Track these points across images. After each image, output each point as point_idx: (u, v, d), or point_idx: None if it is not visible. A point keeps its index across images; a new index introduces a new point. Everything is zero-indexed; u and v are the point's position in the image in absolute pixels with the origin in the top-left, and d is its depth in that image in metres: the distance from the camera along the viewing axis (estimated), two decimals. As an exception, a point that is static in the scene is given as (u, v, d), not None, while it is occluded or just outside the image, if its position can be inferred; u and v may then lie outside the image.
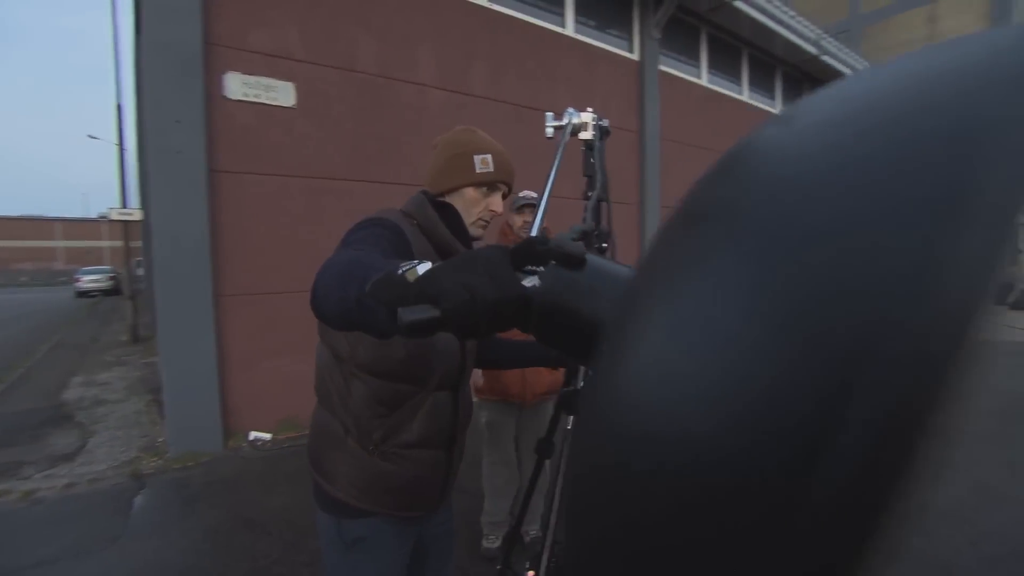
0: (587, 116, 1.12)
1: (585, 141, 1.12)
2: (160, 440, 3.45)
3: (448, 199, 0.99)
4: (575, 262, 0.36)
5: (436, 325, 0.37)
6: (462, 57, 4.41)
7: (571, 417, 1.17)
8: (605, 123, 1.14)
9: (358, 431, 0.91)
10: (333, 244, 0.87)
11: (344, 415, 0.92)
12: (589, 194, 1.08)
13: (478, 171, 0.97)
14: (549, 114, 1.13)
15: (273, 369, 3.50)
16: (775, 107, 7.96)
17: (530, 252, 0.39)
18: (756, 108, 7.60)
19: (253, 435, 3.43)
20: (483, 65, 4.54)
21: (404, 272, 0.42)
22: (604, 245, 1.11)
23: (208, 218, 3.21)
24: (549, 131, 1.09)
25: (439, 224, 0.94)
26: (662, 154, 6.09)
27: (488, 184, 0.98)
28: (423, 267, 0.42)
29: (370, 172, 3.88)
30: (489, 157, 0.97)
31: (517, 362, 1.16)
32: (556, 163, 0.86)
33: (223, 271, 3.32)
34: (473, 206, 0.98)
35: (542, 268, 0.38)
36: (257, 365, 3.46)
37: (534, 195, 2.25)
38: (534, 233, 0.57)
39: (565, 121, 1.10)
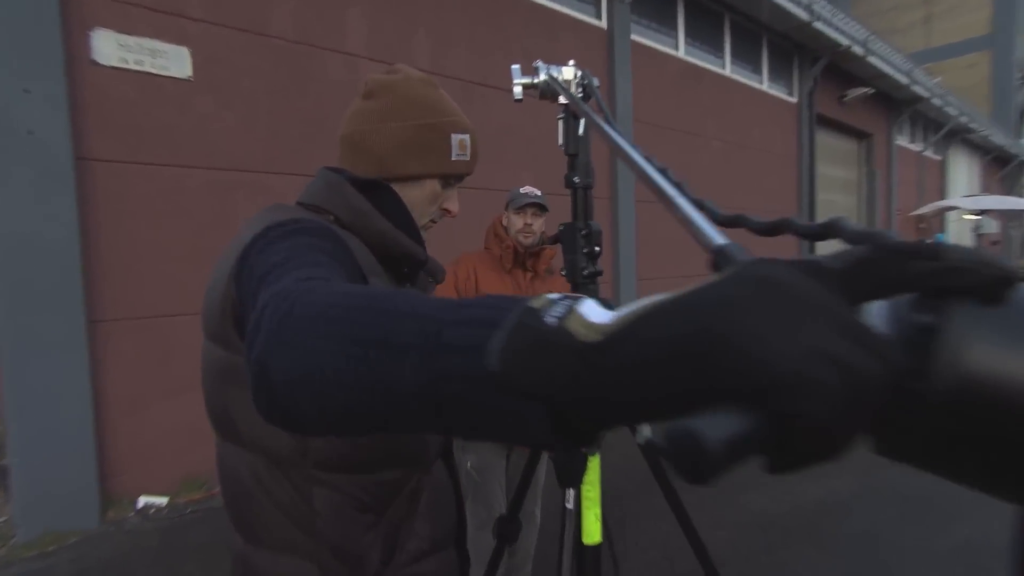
0: (569, 71, 0.99)
1: (566, 106, 1.00)
2: (2, 520, 3.02)
3: (393, 185, 0.86)
4: (1003, 288, 0.24)
5: (779, 446, 0.23)
6: (401, 24, 4.30)
7: (570, 491, 1.05)
8: (595, 81, 1.00)
9: (346, 563, 0.75)
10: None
11: (312, 548, 0.74)
12: (575, 180, 1.01)
13: (454, 158, 0.87)
14: (515, 67, 1.00)
15: (169, 412, 3.26)
16: (760, 83, 8.14)
17: (893, 275, 0.25)
18: (740, 84, 7.74)
19: (144, 501, 3.18)
20: (426, 34, 4.46)
21: (560, 320, 0.29)
22: (598, 249, 1.02)
23: (77, 220, 2.93)
24: (517, 91, 1.00)
25: (375, 217, 0.81)
26: (636, 139, 6.00)
27: (456, 177, 0.90)
28: (591, 307, 0.29)
29: (291, 162, 3.72)
30: (467, 139, 0.89)
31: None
32: (610, 130, 0.63)
33: (99, 289, 3.06)
34: (429, 203, 0.89)
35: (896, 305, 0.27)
36: (147, 408, 3.21)
37: (538, 193, 2.12)
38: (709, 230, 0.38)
39: (538, 77, 0.98)
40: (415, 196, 0.87)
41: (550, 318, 0.29)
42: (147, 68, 3.17)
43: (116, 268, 3.10)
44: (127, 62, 3.11)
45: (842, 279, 0.26)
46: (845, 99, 9.88)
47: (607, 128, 0.61)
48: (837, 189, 10.64)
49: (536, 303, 0.30)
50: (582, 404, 0.27)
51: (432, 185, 0.88)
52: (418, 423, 0.34)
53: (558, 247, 2.10)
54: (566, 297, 0.31)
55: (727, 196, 7.18)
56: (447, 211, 0.91)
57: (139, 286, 3.17)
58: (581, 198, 1.01)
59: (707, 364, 0.23)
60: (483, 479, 1.96)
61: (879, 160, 11.62)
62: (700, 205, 0.44)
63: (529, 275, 2.11)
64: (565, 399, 0.27)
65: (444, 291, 1.98)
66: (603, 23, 5.87)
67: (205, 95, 3.38)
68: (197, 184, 3.36)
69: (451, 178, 0.89)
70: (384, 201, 0.84)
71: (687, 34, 6.94)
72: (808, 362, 0.22)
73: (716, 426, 0.23)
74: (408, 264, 0.85)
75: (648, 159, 0.54)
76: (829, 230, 0.31)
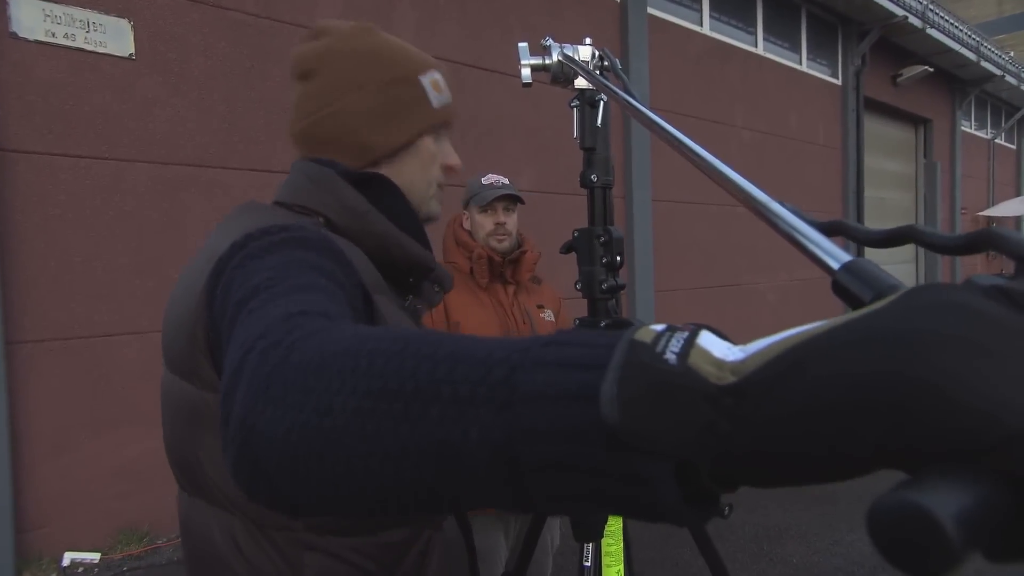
0: (586, 51, 1.02)
1: (581, 92, 1.02)
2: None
3: (385, 166, 0.86)
4: None
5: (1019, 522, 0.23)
6: None
7: (588, 546, 1.07)
8: (616, 62, 1.01)
9: None
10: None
11: None
12: (593, 178, 1.03)
13: (436, 104, 0.88)
14: (523, 45, 1.02)
15: (103, 450, 3.24)
16: (799, 62, 8.19)
17: None
18: (774, 64, 7.79)
19: (70, 557, 3.14)
20: (409, 7, 4.49)
21: (681, 357, 0.27)
22: (619, 259, 1.03)
23: None
24: (526, 73, 1.02)
25: (376, 218, 0.80)
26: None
27: (444, 124, 0.91)
28: (712, 340, 0.29)
29: (251, 156, 3.74)
30: (438, 76, 0.90)
31: None
32: (664, 123, 0.62)
33: (19, 305, 3.05)
34: (432, 165, 0.90)
35: None
36: (77, 446, 3.18)
37: (506, 181, 2.04)
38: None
39: (550, 57, 1.00)
40: (414, 168, 0.87)
41: (669, 354, 0.28)
42: (79, 43, 3.17)
43: (41, 279, 3.09)
44: (55, 36, 3.11)
45: None
46: (899, 79, 9.96)
47: (662, 122, 0.58)
48: (890, 184, 10.69)
49: (641, 335, 0.29)
50: (717, 460, 0.26)
51: (426, 145, 0.88)
52: (481, 494, 0.32)
53: (536, 250, 2.08)
54: (675, 328, 0.30)
55: (762, 193, 7.19)
56: (450, 168, 0.92)
57: (68, 301, 3.16)
58: (600, 199, 1.02)
59: (900, 416, 0.22)
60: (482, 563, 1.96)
61: (940, 150, 11.69)
62: (796, 212, 0.43)
63: (511, 288, 2.02)
64: (698, 456, 0.26)
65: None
66: (616, -7, 5.93)
67: (149, 77, 3.38)
68: (140, 181, 3.37)
69: (443, 129, 0.90)
70: (382, 197, 0.83)
71: (713, 7, 6.99)
72: None
73: (945, 500, 0.21)
74: (414, 273, 0.85)
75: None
76: (978, 241, 0.29)
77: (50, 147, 3.12)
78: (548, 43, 1.01)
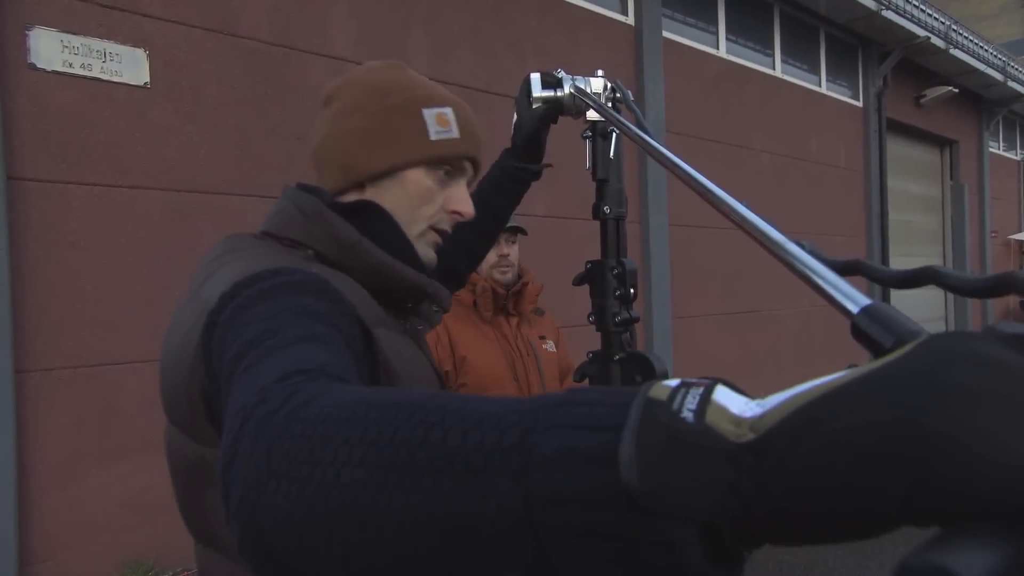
0: (598, 83, 1.04)
1: (593, 124, 1.04)
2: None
3: (369, 193, 0.85)
4: None
5: None
6: (394, 20, 4.38)
7: None
8: (628, 94, 1.04)
9: None
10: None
11: None
12: (606, 210, 1.04)
13: (434, 137, 0.84)
14: (535, 77, 1.04)
15: (111, 482, 3.21)
16: (818, 84, 8.19)
17: None
18: (793, 86, 7.79)
19: None
20: (424, 32, 4.53)
21: (698, 415, 0.27)
22: (632, 291, 1.04)
23: (7, 250, 2.96)
24: (537, 108, 1.05)
25: (368, 248, 0.78)
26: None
27: (449, 162, 0.86)
28: (728, 395, 0.28)
29: (264, 183, 3.75)
30: (449, 112, 0.86)
31: None
32: (651, 142, 0.64)
33: (30, 333, 3.06)
34: (423, 203, 0.85)
35: None
36: (84, 478, 3.16)
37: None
38: None
39: (561, 91, 1.02)
40: (397, 200, 0.84)
41: (686, 412, 0.27)
42: (95, 73, 3.20)
43: (51, 307, 3.10)
44: (72, 66, 3.14)
45: None
46: (923, 100, 9.91)
47: (674, 158, 0.59)
48: (915, 207, 10.59)
49: (656, 393, 0.29)
50: (740, 521, 0.26)
51: (417, 179, 0.84)
52: (502, 565, 0.31)
53: (537, 282, 2.10)
54: (689, 383, 0.29)
55: (780, 220, 7.09)
56: (456, 213, 0.87)
57: (78, 329, 3.17)
58: (613, 231, 1.02)
59: (924, 471, 0.22)
60: None
61: (967, 172, 11.58)
62: (799, 246, 0.43)
63: (515, 320, 2.06)
64: (721, 517, 0.26)
65: None
66: (630, 19, 5.96)
67: (164, 105, 3.42)
68: (153, 209, 3.40)
69: (441, 165, 0.85)
70: (373, 224, 0.81)
71: (729, 29, 7.02)
72: None
73: (972, 562, 0.21)
74: (411, 298, 0.84)
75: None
76: (1002, 285, 0.30)
77: (64, 175, 3.15)
78: (560, 75, 1.02)
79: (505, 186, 1.21)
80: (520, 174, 1.20)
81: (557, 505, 0.29)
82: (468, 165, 0.89)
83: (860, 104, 8.84)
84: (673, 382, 0.30)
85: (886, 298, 7.86)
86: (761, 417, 0.26)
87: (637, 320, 1.00)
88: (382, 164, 0.83)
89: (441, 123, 0.84)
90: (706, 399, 0.28)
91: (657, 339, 5.80)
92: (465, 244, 1.17)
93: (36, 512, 3.03)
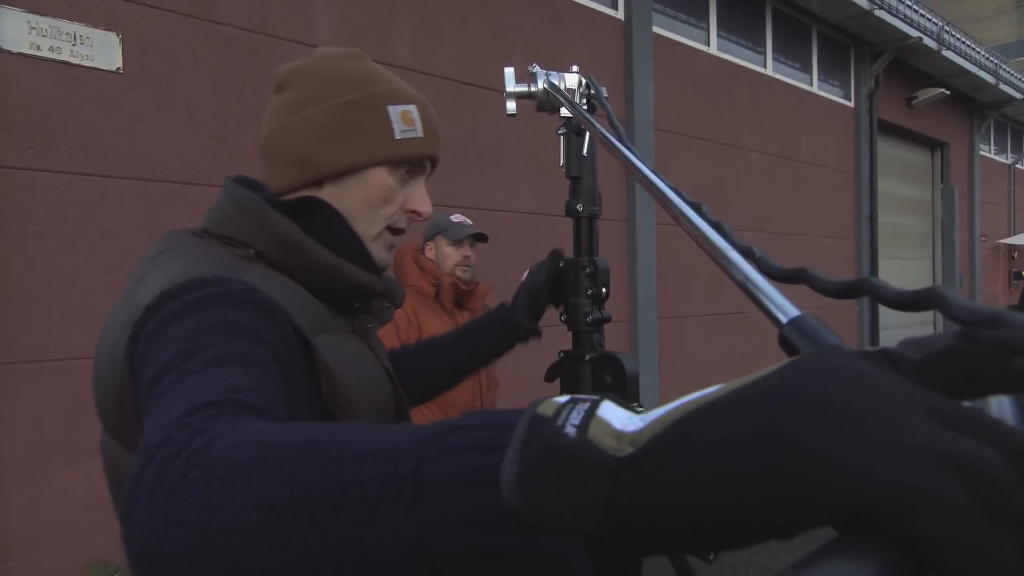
0: (572, 79, 1.05)
1: (567, 120, 1.05)
2: None
3: (328, 191, 0.83)
4: None
5: None
6: (378, 10, 4.37)
7: None
8: (603, 91, 1.05)
9: None
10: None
11: None
12: (578, 208, 1.05)
13: (399, 136, 0.83)
14: (509, 70, 1.05)
15: (77, 481, 3.19)
16: (810, 84, 8.25)
17: (991, 372, 0.27)
18: (784, 85, 7.85)
19: None
20: (408, 23, 4.52)
21: (580, 430, 0.28)
22: (604, 291, 1.04)
23: None
24: (511, 107, 1.04)
25: (312, 247, 0.76)
26: (657, 150, 6.13)
27: (411, 162, 0.86)
28: (612, 410, 0.29)
29: (240, 174, 3.70)
30: (414, 110, 0.85)
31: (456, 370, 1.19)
32: (631, 155, 0.64)
33: None
34: (384, 202, 0.84)
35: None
36: (49, 476, 3.15)
37: (471, 223, 2.45)
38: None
39: (535, 85, 1.03)
40: (358, 199, 0.83)
41: (569, 428, 0.28)
42: (65, 57, 3.19)
43: (17, 299, 3.08)
44: (40, 48, 3.11)
45: (921, 372, 0.26)
46: (914, 102, 10.03)
47: (627, 152, 0.59)
48: (905, 210, 10.71)
49: (544, 409, 0.29)
50: (619, 533, 0.26)
51: (379, 177, 0.83)
52: None
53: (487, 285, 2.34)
54: (577, 398, 0.30)
55: (768, 220, 7.20)
56: (415, 213, 0.87)
57: (44, 321, 3.14)
58: (585, 229, 1.03)
59: (779, 479, 0.23)
60: None
61: (958, 175, 11.72)
62: (748, 253, 0.45)
63: (467, 314, 2.33)
64: (602, 530, 0.27)
65: (386, 338, 2.03)
66: (619, 13, 5.99)
67: (138, 91, 3.40)
68: (124, 199, 3.37)
69: (404, 164, 0.85)
70: (317, 221, 0.79)
71: (720, 26, 7.06)
72: (912, 467, 0.21)
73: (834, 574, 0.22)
74: (359, 297, 0.83)
75: (676, 190, 0.54)
76: (925, 301, 0.31)
77: (31, 162, 3.13)
78: (535, 70, 1.03)
79: (500, 337, 1.15)
80: (526, 334, 1.14)
81: (447, 530, 0.29)
82: (428, 164, 0.89)
83: (851, 104, 8.93)
84: (563, 398, 0.30)
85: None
86: (640, 431, 0.27)
87: (609, 320, 1.01)
88: (344, 162, 0.81)
89: (406, 121, 0.84)
90: (591, 414, 0.28)
91: (643, 339, 5.82)
92: (429, 375, 1.16)
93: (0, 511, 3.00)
